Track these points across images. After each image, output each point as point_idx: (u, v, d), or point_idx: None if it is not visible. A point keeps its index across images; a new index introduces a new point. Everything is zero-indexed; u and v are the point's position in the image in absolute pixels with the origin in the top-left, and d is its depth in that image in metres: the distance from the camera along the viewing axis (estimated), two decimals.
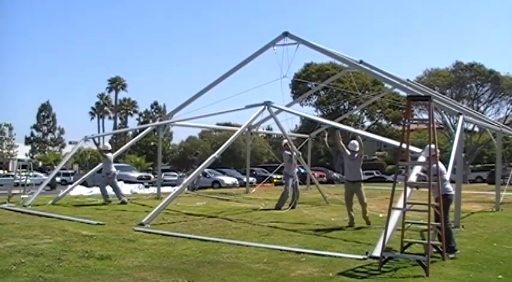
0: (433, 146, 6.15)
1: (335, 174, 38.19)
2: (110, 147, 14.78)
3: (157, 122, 17.28)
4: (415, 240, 6.48)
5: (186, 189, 20.73)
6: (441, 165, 6.80)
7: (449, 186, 6.76)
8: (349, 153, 9.21)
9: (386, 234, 5.86)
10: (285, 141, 13.33)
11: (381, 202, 13.96)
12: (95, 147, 56.59)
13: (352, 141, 9.31)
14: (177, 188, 11.75)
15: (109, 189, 13.81)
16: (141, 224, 8.53)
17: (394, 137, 42.90)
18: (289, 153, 12.83)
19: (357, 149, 9.21)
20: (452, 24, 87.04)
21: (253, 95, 58.24)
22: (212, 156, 10.96)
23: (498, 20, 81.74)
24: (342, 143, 9.46)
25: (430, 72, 40.72)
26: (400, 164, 6.71)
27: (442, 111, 23.84)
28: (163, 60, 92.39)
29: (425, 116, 33.71)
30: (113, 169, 13.78)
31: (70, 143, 54.31)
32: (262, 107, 12.80)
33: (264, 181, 21.71)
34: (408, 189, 6.68)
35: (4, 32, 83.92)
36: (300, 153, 13.82)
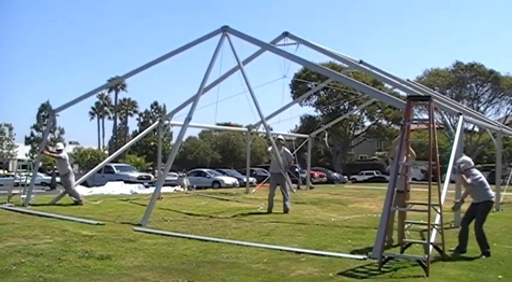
0: (466, 158, 6.49)
1: (335, 174, 38.19)
2: (62, 146, 13.71)
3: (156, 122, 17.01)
4: (415, 240, 6.48)
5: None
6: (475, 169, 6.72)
7: (490, 191, 6.65)
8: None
9: (385, 234, 5.88)
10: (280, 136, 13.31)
11: (381, 202, 13.91)
12: (95, 147, 56.73)
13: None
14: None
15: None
16: (139, 225, 8.55)
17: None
18: (273, 150, 12.15)
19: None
20: (452, 24, 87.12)
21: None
22: (186, 118, 10.36)
23: (498, 20, 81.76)
24: None
25: (430, 72, 40.69)
26: (400, 164, 6.68)
27: (442, 111, 23.80)
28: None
29: (425, 116, 33.67)
30: (69, 167, 13.26)
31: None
32: (221, 33, 11.60)
33: (264, 181, 21.66)
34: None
35: (4, 32, 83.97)
36: (293, 160, 12.96)
